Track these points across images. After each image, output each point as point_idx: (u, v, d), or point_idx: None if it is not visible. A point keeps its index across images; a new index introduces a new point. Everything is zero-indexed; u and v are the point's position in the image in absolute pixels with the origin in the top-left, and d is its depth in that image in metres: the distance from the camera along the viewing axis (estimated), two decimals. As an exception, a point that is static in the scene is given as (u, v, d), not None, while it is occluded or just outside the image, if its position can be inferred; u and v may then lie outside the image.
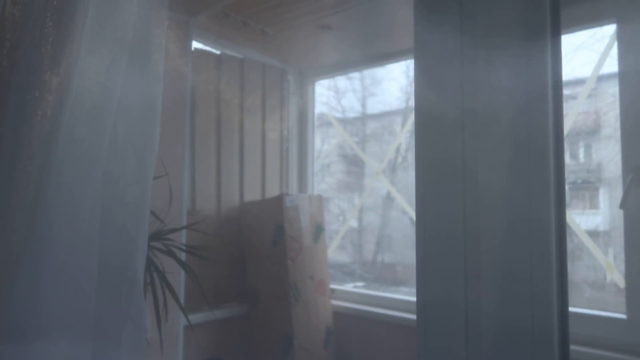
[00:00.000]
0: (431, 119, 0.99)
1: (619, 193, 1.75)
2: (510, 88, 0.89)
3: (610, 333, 1.72)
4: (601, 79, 1.92)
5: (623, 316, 1.71)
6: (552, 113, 0.86)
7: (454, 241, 0.94)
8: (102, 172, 0.93)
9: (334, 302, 2.58)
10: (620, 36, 1.75)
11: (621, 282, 1.77)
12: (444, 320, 0.93)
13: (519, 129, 0.88)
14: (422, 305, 0.96)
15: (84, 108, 0.90)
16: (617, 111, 1.76)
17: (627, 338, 1.68)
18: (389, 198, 2.68)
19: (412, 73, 2.63)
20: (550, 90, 0.85)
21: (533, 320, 0.85)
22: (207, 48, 2.47)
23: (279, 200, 2.41)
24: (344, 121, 2.96)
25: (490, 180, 0.91)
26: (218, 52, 2.51)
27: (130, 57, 0.98)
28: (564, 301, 0.85)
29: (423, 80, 1.01)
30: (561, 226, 0.85)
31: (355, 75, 2.89)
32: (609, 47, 1.84)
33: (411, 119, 2.62)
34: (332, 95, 3.02)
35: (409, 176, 2.62)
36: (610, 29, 1.82)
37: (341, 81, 2.97)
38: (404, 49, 2.53)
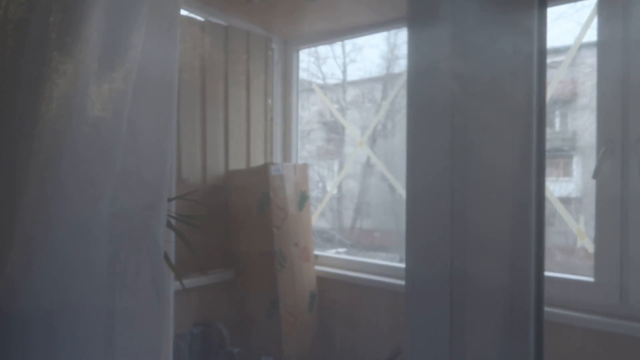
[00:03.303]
0: (422, 83, 1.02)
1: (591, 162, 1.81)
2: (498, 54, 0.93)
3: (579, 295, 1.82)
4: (580, 48, 1.95)
5: (591, 279, 1.81)
6: (536, 79, 0.89)
7: (441, 209, 0.99)
8: (119, 155, 0.97)
9: (318, 267, 2.66)
10: (600, 9, 1.79)
11: (590, 248, 1.86)
12: (430, 284, 0.99)
13: (505, 95, 0.92)
14: (410, 271, 1.01)
15: (103, 92, 0.93)
16: (594, 81, 1.81)
17: (595, 300, 1.79)
18: (368, 165, 2.73)
19: (392, 40, 2.64)
20: (535, 58, 0.89)
21: (512, 284, 0.91)
22: (191, 15, 2.44)
23: (264, 169, 2.44)
24: (324, 88, 2.96)
25: (477, 147, 0.95)
26: (202, 19, 2.48)
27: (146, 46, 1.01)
28: (540, 267, 0.91)
29: (416, 44, 1.03)
30: (540, 193, 0.89)
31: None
32: (590, 20, 1.88)
33: (391, 86, 2.64)
34: (313, 61, 3.01)
35: (388, 143, 2.66)
36: (591, 1, 1.86)
37: (322, 47, 2.95)
38: (389, 18, 2.53)
